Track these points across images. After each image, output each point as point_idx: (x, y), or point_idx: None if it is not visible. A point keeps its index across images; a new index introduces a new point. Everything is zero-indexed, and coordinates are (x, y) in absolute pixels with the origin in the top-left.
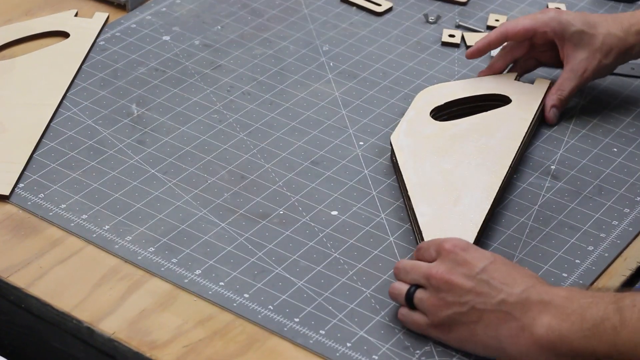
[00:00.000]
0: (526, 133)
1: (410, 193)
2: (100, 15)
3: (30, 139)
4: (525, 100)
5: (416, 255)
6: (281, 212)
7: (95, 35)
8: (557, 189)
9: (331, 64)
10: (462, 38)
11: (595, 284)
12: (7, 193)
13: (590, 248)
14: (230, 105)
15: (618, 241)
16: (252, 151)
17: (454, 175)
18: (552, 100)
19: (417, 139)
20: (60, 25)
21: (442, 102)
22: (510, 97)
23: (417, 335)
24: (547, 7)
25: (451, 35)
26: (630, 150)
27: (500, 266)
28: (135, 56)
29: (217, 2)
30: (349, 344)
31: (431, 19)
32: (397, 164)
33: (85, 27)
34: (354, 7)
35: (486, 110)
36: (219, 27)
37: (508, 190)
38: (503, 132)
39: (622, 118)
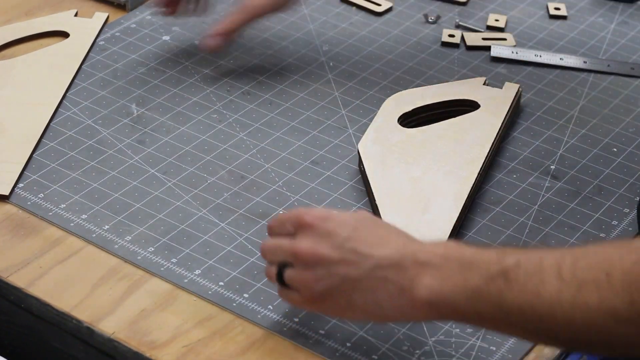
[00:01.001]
0: (495, 138)
1: (377, 202)
2: (100, 15)
3: (30, 139)
4: (494, 104)
5: (271, 230)
6: (281, 212)
7: (95, 35)
8: (556, 189)
9: (331, 64)
10: (462, 38)
11: None
12: (6, 193)
13: None
14: (230, 105)
15: None
16: (252, 151)
17: (422, 183)
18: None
19: (384, 147)
20: (60, 25)
21: (409, 109)
22: (479, 102)
23: (416, 335)
24: (547, 7)
25: (451, 35)
26: (630, 150)
27: (365, 230)
28: (135, 56)
29: (217, 2)
30: (348, 344)
31: (431, 19)
32: (365, 172)
33: (85, 27)
34: (354, 7)
35: (455, 116)
36: None
37: (508, 190)
38: (472, 137)
39: (622, 118)
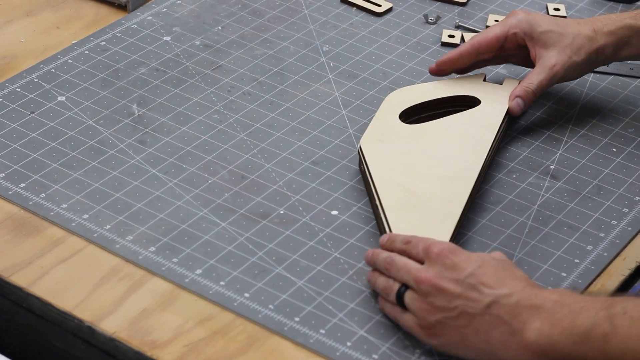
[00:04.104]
0: (496, 135)
1: (377, 202)
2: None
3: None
4: (494, 100)
5: (405, 247)
6: (281, 212)
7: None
8: (556, 189)
9: (331, 64)
10: (462, 38)
11: (594, 283)
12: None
13: (590, 248)
14: (231, 105)
15: (617, 241)
16: (253, 151)
17: (423, 183)
18: (517, 90)
19: (385, 145)
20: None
21: (410, 105)
22: (480, 98)
23: None
24: (547, 7)
25: (451, 36)
26: (629, 150)
27: (489, 269)
28: (136, 56)
29: (217, 3)
30: (349, 344)
31: (431, 19)
32: (365, 172)
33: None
34: (354, 8)
35: (455, 113)
36: (220, 28)
37: (507, 190)
38: (473, 134)
39: (621, 118)
